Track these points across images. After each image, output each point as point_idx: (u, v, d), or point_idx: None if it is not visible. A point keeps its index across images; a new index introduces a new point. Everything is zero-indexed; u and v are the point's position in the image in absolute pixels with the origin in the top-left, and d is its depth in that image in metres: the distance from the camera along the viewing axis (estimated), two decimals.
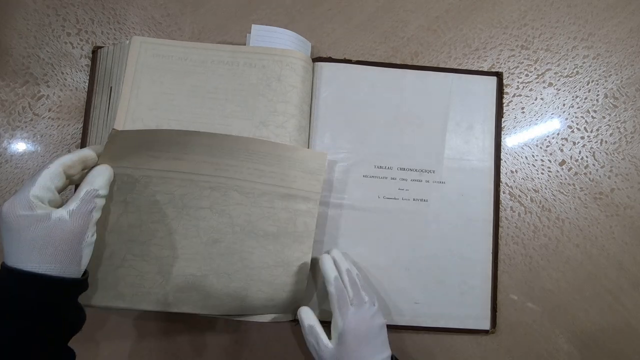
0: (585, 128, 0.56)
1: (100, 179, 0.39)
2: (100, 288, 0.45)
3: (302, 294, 0.49)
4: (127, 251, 0.45)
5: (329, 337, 0.45)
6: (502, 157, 0.55)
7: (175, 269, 0.46)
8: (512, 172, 0.55)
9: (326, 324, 0.46)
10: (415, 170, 0.54)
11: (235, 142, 0.45)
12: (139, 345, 0.51)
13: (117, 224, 0.45)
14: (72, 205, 0.36)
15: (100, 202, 0.38)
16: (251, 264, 0.47)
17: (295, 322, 0.51)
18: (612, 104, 0.56)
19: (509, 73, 0.57)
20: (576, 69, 0.57)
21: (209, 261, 0.47)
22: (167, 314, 0.50)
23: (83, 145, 0.53)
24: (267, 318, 0.49)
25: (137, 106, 0.50)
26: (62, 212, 0.36)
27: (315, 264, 0.50)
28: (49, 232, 0.35)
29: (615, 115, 0.56)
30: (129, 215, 0.45)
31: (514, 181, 0.55)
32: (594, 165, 0.55)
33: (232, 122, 0.51)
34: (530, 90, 0.57)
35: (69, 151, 0.53)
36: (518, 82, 0.57)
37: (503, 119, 0.56)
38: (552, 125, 0.56)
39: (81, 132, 0.54)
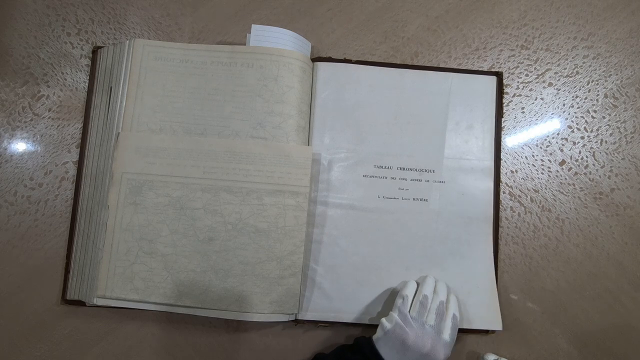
0: (585, 128, 0.56)
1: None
2: (120, 281, 0.49)
3: (297, 288, 0.50)
4: (139, 249, 0.49)
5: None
6: (502, 157, 0.55)
7: (177, 265, 0.49)
8: (512, 172, 0.55)
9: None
10: (415, 169, 0.54)
11: (212, 145, 0.50)
12: (140, 345, 0.51)
13: (130, 224, 0.50)
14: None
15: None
16: (245, 259, 0.49)
17: (296, 322, 0.51)
18: (612, 104, 0.56)
19: (509, 73, 0.57)
20: (576, 69, 0.57)
21: (206, 258, 0.49)
22: (167, 314, 0.50)
23: (83, 144, 0.53)
24: (267, 318, 0.49)
25: (142, 110, 0.51)
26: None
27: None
28: None
29: (615, 115, 0.56)
30: (138, 215, 0.50)
31: (514, 181, 0.55)
32: (594, 165, 0.55)
33: (230, 124, 0.51)
34: (530, 90, 0.57)
35: (69, 150, 0.53)
36: (518, 82, 0.57)
37: (503, 119, 0.56)
38: (552, 125, 0.56)
39: (81, 132, 0.54)
